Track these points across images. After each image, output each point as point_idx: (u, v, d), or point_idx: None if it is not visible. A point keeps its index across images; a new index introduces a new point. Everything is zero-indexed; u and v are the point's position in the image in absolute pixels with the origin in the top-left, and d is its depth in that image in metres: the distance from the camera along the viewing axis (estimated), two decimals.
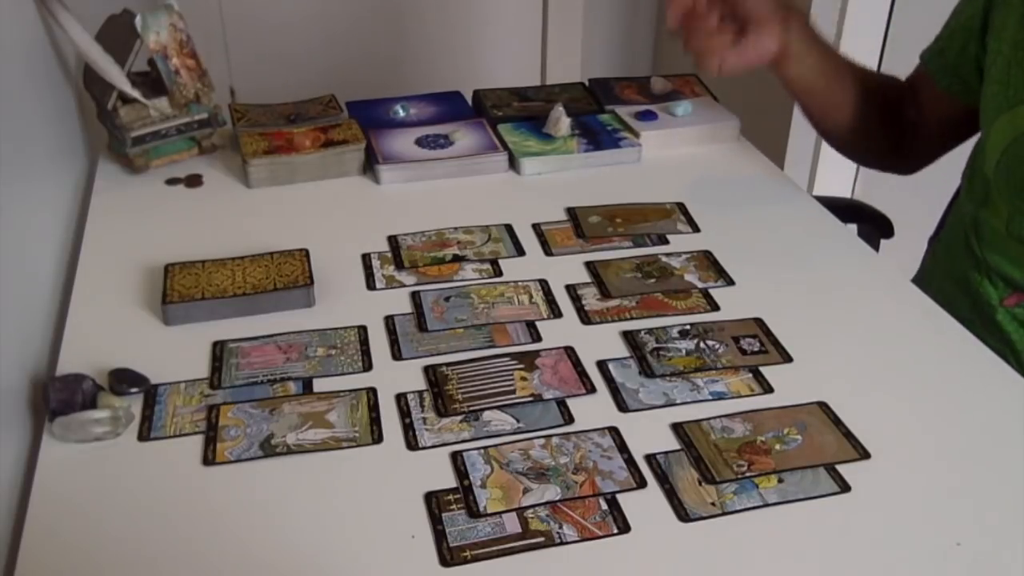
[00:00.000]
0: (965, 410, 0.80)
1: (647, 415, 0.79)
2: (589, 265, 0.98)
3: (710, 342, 0.87)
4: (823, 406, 0.79)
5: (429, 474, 0.72)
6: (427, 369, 0.83)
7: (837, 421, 0.78)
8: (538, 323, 0.89)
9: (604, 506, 0.69)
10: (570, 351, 0.86)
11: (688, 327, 0.89)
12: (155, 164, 1.15)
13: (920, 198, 1.41)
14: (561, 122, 1.20)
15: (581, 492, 0.70)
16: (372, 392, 0.80)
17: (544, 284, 0.95)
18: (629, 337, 0.87)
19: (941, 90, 1.09)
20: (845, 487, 0.72)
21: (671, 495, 0.70)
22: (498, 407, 0.79)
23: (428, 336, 0.87)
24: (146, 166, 1.14)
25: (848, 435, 0.76)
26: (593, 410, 0.79)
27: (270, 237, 1.00)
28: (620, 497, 0.70)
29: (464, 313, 0.90)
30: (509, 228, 1.05)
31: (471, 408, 0.78)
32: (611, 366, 0.84)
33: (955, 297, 1.04)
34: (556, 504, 0.69)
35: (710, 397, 0.81)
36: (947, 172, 1.18)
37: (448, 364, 0.83)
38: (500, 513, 0.68)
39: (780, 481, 0.72)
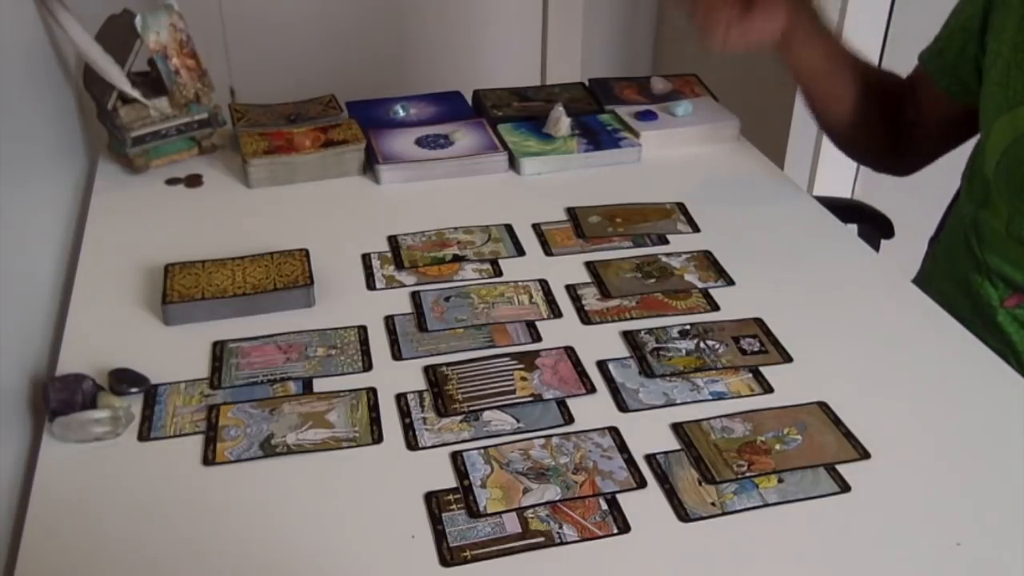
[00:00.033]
0: (965, 410, 0.80)
1: (647, 415, 0.79)
2: (589, 265, 0.98)
3: (710, 342, 0.87)
4: (823, 406, 0.79)
5: (429, 474, 0.72)
6: (427, 369, 0.83)
7: (837, 421, 0.78)
8: (538, 323, 0.89)
9: (604, 506, 0.69)
10: (570, 351, 0.85)
11: (688, 327, 0.89)
12: (155, 164, 1.15)
13: (920, 199, 1.41)
14: (561, 122, 1.20)
15: (581, 492, 0.70)
16: (372, 392, 0.80)
17: (544, 284, 0.95)
18: (629, 337, 0.87)
19: (940, 90, 1.09)
20: (845, 487, 0.72)
21: (671, 495, 0.70)
22: (498, 407, 0.79)
23: (428, 336, 0.87)
24: (146, 166, 1.14)
25: (848, 435, 0.76)
26: (593, 410, 0.79)
27: (270, 237, 1.00)
28: (620, 497, 0.70)
29: (464, 313, 0.90)
30: (509, 228, 1.05)
31: (471, 408, 0.78)
32: (611, 366, 0.84)
33: (955, 298, 1.04)
34: (556, 504, 0.69)
35: (710, 397, 0.81)
36: (947, 173, 1.18)
37: (448, 364, 0.83)
38: (500, 513, 0.68)
39: (780, 481, 0.72)
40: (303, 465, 0.73)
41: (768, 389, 0.82)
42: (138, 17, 1.08)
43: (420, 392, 0.80)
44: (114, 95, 1.08)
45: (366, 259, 0.99)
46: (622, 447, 0.75)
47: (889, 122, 1.16)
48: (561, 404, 0.79)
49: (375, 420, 0.77)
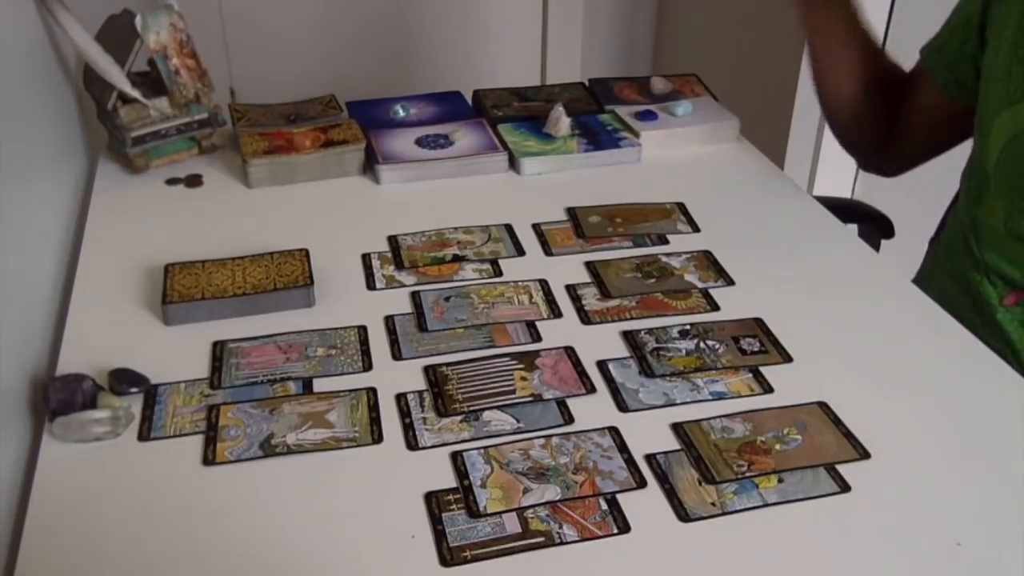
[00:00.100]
0: (965, 410, 0.80)
1: (647, 415, 0.79)
2: (589, 265, 0.98)
3: (710, 342, 0.87)
4: (823, 406, 0.79)
5: (429, 474, 0.72)
6: (427, 369, 0.83)
7: (837, 421, 0.78)
8: (538, 323, 0.89)
9: (604, 506, 0.69)
10: (570, 351, 0.85)
11: (688, 327, 0.89)
12: (155, 164, 1.15)
13: (920, 199, 1.41)
14: (561, 122, 1.20)
15: (581, 492, 0.70)
16: (372, 392, 0.80)
17: (544, 284, 0.95)
18: (629, 337, 0.87)
19: (938, 87, 1.09)
20: (845, 487, 0.72)
21: (671, 495, 0.70)
22: (498, 407, 0.79)
23: (428, 336, 0.87)
24: (146, 166, 1.14)
25: (848, 435, 0.76)
26: (593, 410, 0.79)
27: (270, 237, 1.00)
28: (620, 497, 0.70)
29: (464, 313, 0.90)
30: (509, 228, 1.05)
31: (471, 408, 0.78)
32: (611, 366, 0.84)
33: (955, 297, 1.04)
34: (556, 504, 0.69)
35: (710, 397, 0.81)
36: (947, 173, 1.18)
37: (448, 364, 0.83)
38: (500, 513, 0.68)
39: (780, 481, 0.72)
40: (303, 465, 0.73)
41: (768, 389, 0.82)
42: (138, 17, 1.08)
43: (420, 392, 0.80)
44: (114, 95, 1.08)
45: (366, 259, 0.99)
46: (622, 447, 0.75)
47: (885, 113, 1.16)
48: (561, 404, 0.79)
49: (375, 420, 0.77)
